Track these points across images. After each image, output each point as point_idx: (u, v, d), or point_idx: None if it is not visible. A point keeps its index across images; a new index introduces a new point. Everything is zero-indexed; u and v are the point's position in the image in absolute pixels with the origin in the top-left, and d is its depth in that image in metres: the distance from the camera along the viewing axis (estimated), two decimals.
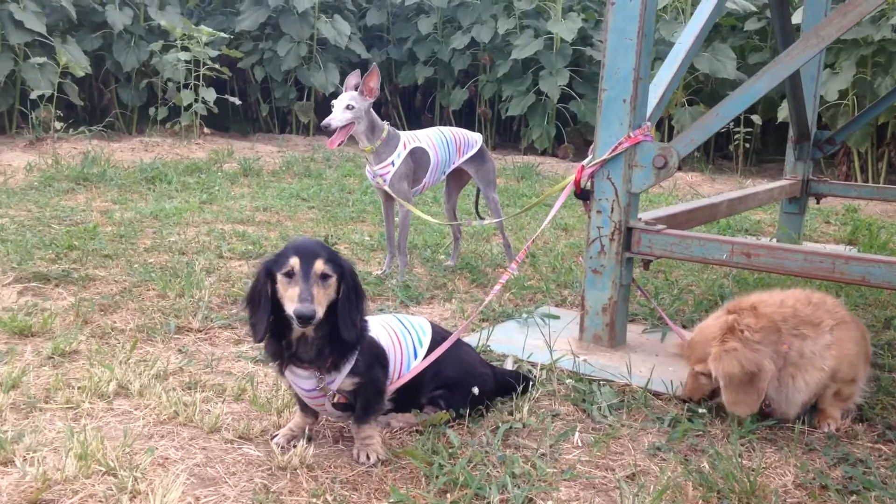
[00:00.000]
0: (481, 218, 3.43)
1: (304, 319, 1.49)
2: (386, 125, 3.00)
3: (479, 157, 3.20)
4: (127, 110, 7.60)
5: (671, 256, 2.26)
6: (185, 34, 6.98)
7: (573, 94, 7.55)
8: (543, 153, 7.71)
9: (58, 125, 6.50)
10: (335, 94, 8.05)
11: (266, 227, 4.16)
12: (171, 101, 7.24)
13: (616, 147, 2.25)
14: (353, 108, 2.87)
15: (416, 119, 8.78)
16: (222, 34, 7.20)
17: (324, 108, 8.53)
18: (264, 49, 7.95)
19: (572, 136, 7.79)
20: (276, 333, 1.60)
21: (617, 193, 2.28)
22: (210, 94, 7.05)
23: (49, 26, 6.82)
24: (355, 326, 1.61)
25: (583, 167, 2.33)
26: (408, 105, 8.81)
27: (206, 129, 7.29)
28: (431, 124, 8.61)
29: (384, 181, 2.96)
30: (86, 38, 7.23)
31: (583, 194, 2.37)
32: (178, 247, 3.46)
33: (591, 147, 2.37)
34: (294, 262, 1.53)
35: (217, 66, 7.13)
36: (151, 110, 7.39)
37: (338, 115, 2.85)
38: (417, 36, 8.17)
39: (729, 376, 1.80)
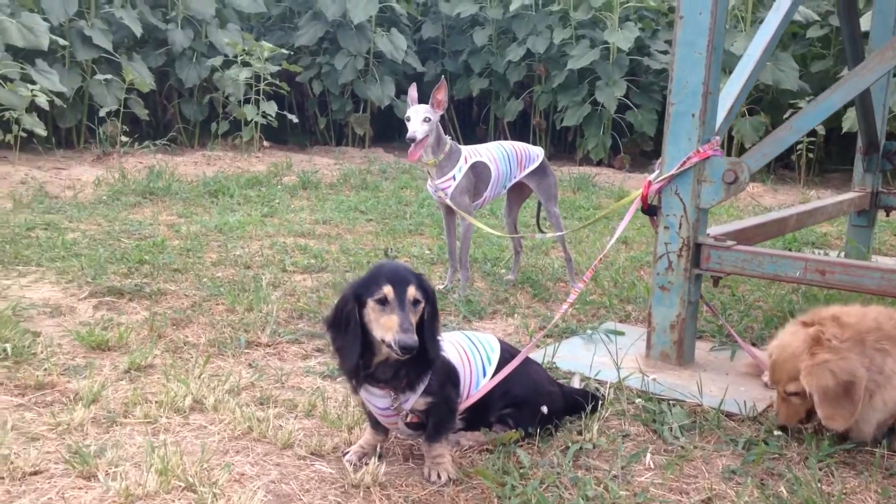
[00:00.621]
0: (542, 231, 3.42)
1: (408, 349, 1.49)
2: (448, 139, 3.03)
3: (540, 171, 3.20)
4: (189, 125, 7.78)
5: (742, 273, 2.22)
6: (245, 50, 7.12)
7: (630, 104, 7.48)
8: (599, 163, 7.65)
9: (124, 139, 6.69)
10: (391, 107, 8.18)
11: (326, 240, 4.22)
12: (231, 115, 7.38)
13: (684, 162, 2.22)
14: (429, 120, 2.93)
15: (471, 131, 8.80)
16: (282, 49, 7.33)
17: (379, 120, 8.62)
18: (322, 63, 8.06)
19: (629, 146, 7.71)
20: None
21: (685, 209, 2.25)
22: (270, 109, 7.18)
23: (115, 43, 7.03)
24: (437, 347, 1.62)
25: (649, 182, 2.31)
26: (463, 117, 8.84)
27: (265, 143, 7.41)
28: (486, 136, 8.63)
29: (446, 195, 2.98)
30: (150, 55, 7.43)
31: (649, 210, 2.34)
32: (243, 260, 3.52)
33: (658, 161, 2.35)
34: (388, 290, 1.53)
35: (276, 80, 7.25)
36: (213, 125, 7.55)
37: (418, 127, 2.91)
38: (472, 48, 8.20)
39: (824, 390, 1.73)
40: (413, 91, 3.03)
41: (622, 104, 7.43)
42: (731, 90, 2.45)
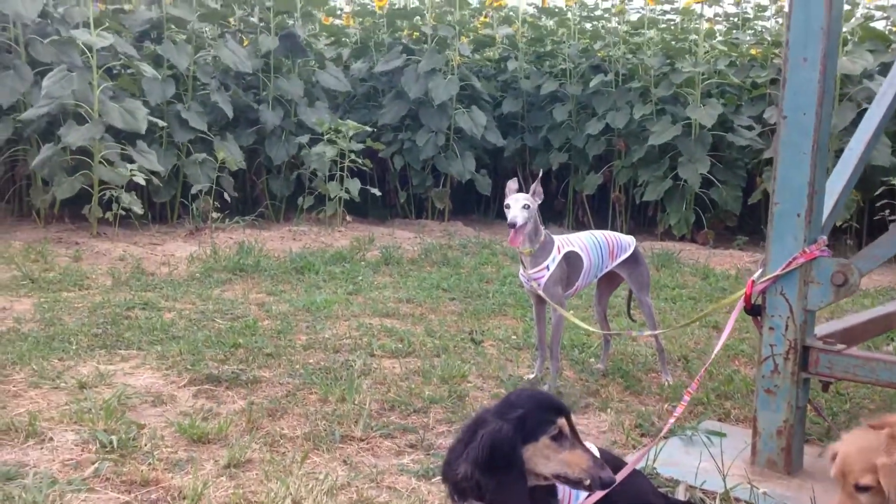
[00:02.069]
0: (633, 319, 3.37)
1: (610, 484, 1.46)
2: (543, 230, 3.04)
3: (632, 260, 3.17)
4: (276, 199, 8.02)
5: (854, 379, 2.13)
6: (331, 128, 7.35)
7: (713, 179, 7.38)
8: (681, 238, 7.53)
9: (215, 215, 6.94)
10: (471, 181, 8.27)
11: (411, 321, 4.24)
12: (317, 190, 7.59)
13: (790, 263, 2.16)
14: (529, 207, 2.97)
15: (549, 204, 8.80)
16: (366, 127, 7.54)
17: (459, 193, 8.72)
18: (403, 139, 8.25)
19: (712, 221, 7.58)
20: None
21: (791, 310, 2.18)
22: (354, 186, 7.35)
23: (209, 123, 7.35)
24: None
25: (753, 282, 2.26)
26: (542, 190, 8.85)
27: (348, 217, 7.57)
28: (564, 209, 8.62)
29: (539, 285, 2.97)
30: (242, 134, 7.74)
31: (753, 310, 2.28)
32: (331, 344, 3.57)
33: (762, 260, 2.29)
34: (562, 423, 1.50)
35: (360, 157, 7.45)
36: (299, 199, 7.77)
37: (518, 213, 2.96)
38: (552, 123, 8.27)
39: None
40: (513, 183, 3.08)
41: (705, 179, 7.34)
42: (834, 185, 2.40)
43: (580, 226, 8.47)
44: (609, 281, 3.29)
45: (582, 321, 3.73)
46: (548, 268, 2.97)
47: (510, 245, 2.99)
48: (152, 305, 4.23)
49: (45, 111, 6.04)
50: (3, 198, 7.03)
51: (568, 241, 3.07)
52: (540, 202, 3.02)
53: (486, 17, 9.01)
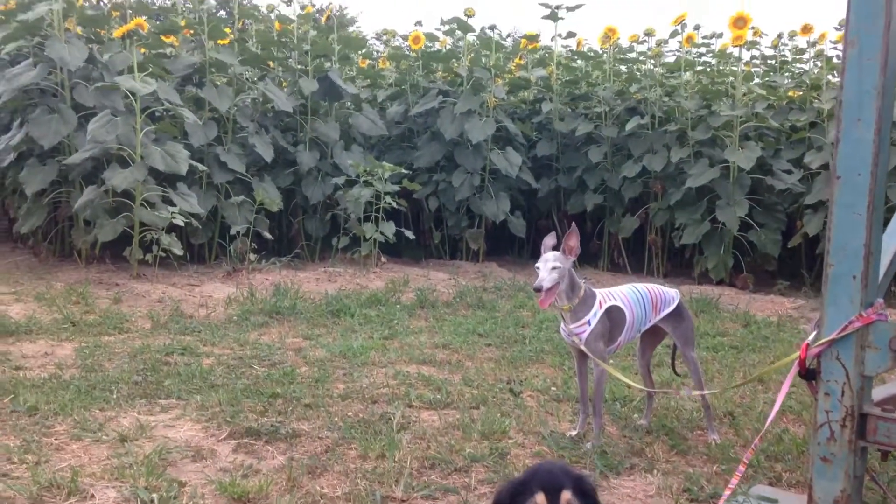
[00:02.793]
0: (677, 374, 3.30)
1: None
2: (583, 283, 3.00)
3: (676, 314, 3.11)
4: (312, 240, 8.06)
5: None
6: (367, 170, 7.41)
7: (752, 222, 7.29)
8: (720, 282, 7.42)
9: (252, 257, 6.99)
10: (505, 222, 8.26)
11: (448, 369, 4.20)
12: (352, 231, 7.62)
13: (846, 327, 2.10)
14: (558, 268, 2.92)
15: (584, 246, 8.72)
16: (401, 169, 7.58)
17: (493, 234, 8.70)
18: (439, 180, 8.28)
19: (751, 265, 7.46)
20: None
21: (848, 376, 2.11)
22: (389, 228, 7.37)
23: (248, 165, 7.44)
24: None
25: (807, 345, 2.19)
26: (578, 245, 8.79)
27: (382, 258, 7.57)
28: (600, 251, 8.55)
29: (580, 340, 2.92)
30: (279, 175, 7.82)
31: (808, 374, 2.21)
32: (369, 393, 3.54)
33: (816, 321, 2.23)
34: (540, 499, 1.49)
35: (395, 199, 7.48)
36: (334, 240, 7.80)
37: (546, 276, 2.91)
38: (587, 164, 8.24)
39: None
40: (550, 238, 3.04)
41: (744, 223, 7.24)
42: (889, 244, 2.33)
43: (616, 268, 8.39)
44: (653, 335, 3.23)
45: (624, 375, 3.67)
46: (589, 323, 2.92)
47: (540, 307, 2.93)
48: (191, 351, 4.25)
49: (90, 155, 6.17)
50: (46, 238, 7.15)
51: (610, 295, 3.02)
52: (574, 258, 2.95)
53: (520, 59, 9.07)
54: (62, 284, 6.22)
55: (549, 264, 2.92)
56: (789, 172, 7.39)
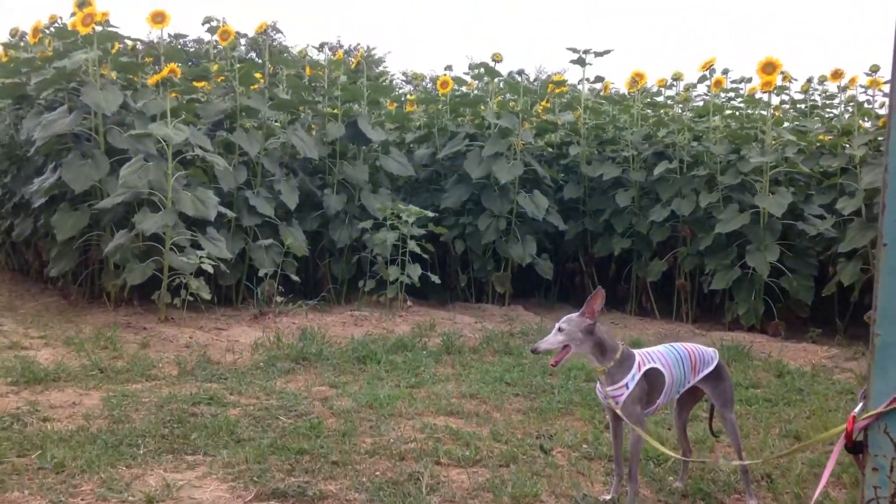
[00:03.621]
0: (714, 435, 3.22)
1: None
2: (620, 346, 2.93)
3: (715, 374, 3.04)
4: (338, 283, 8.07)
5: None
6: (393, 213, 7.42)
7: (783, 268, 7.18)
8: (751, 329, 7.29)
9: (279, 299, 6.99)
10: (532, 267, 8.21)
11: (476, 421, 4.14)
12: (378, 274, 7.61)
13: (894, 399, 2.02)
14: (563, 329, 2.87)
15: (611, 290, 8.66)
16: (427, 212, 7.59)
17: (519, 277, 8.65)
18: (465, 223, 8.27)
19: (783, 311, 7.33)
20: None
21: None
22: (415, 271, 7.37)
23: (276, 208, 7.48)
24: None
25: (853, 417, 2.12)
26: (603, 275, 8.74)
27: (408, 301, 7.55)
28: (627, 295, 8.46)
29: (616, 403, 2.86)
30: (306, 218, 7.86)
31: (854, 447, 2.13)
32: (396, 448, 3.49)
33: (862, 393, 2.16)
34: None
35: (421, 242, 7.47)
36: (360, 283, 7.80)
37: (549, 337, 2.89)
38: (615, 208, 8.20)
39: None
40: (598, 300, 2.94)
41: (775, 268, 7.14)
42: None
43: (643, 312, 8.29)
44: (690, 395, 3.15)
45: (659, 433, 3.58)
46: (627, 386, 2.85)
47: (551, 366, 2.92)
48: (217, 400, 4.23)
49: (122, 200, 6.24)
50: (76, 281, 7.22)
51: (649, 357, 2.95)
52: (592, 322, 2.87)
53: (546, 102, 9.10)
54: (91, 328, 6.26)
55: (557, 325, 2.92)
56: (821, 217, 7.29)
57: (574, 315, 2.92)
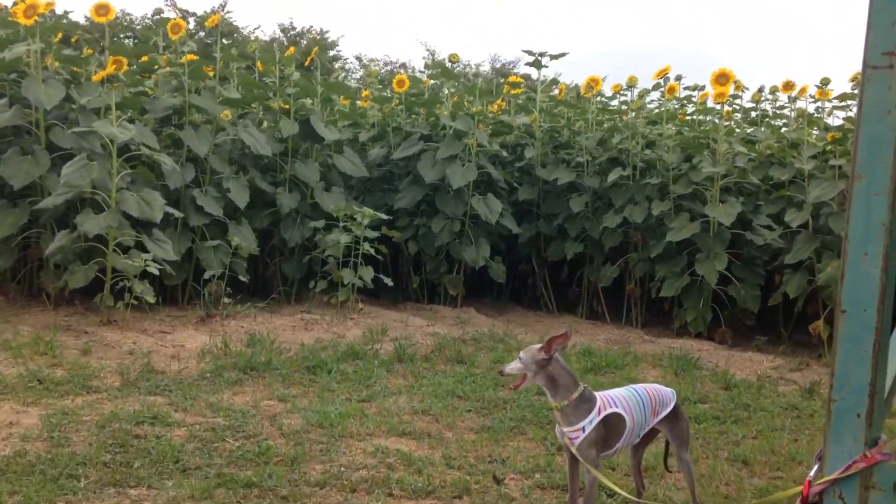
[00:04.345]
0: (669, 470, 3.23)
1: None
2: (581, 387, 2.90)
3: (672, 415, 3.05)
4: (288, 283, 7.94)
5: None
6: (347, 215, 7.32)
7: (731, 277, 7.29)
8: (698, 335, 7.41)
9: (226, 301, 6.84)
10: (485, 271, 8.19)
11: (428, 443, 4.10)
12: (329, 275, 7.51)
13: (849, 466, 2.04)
14: (521, 358, 2.94)
15: (563, 293, 8.71)
16: (381, 215, 7.50)
17: (472, 277, 8.63)
18: (419, 224, 8.20)
19: (730, 319, 7.46)
20: None
21: None
22: (368, 273, 7.29)
23: (225, 205, 7.30)
24: None
25: (809, 481, 2.13)
26: (555, 277, 8.77)
27: (360, 304, 7.47)
28: (579, 298, 8.51)
29: (573, 444, 2.84)
30: (256, 217, 7.70)
31: None
32: (347, 478, 3.43)
33: (817, 455, 2.17)
34: None
35: (374, 245, 7.39)
36: (311, 283, 7.68)
37: (512, 364, 2.99)
38: (569, 213, 8.22)
39: None
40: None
41: (723, 277, 7.25)
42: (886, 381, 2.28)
43: (594, 315, 8.35)
44: (647, 434, 3.15)
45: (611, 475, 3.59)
46: (584, 429, 2.83)
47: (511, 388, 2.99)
48: (162, 419, 4.11)
49: (63, 200, 6.01)
50: (14, 278, 6.96)
51: (610, 401, 2.93)
52: (546, 356, 2.86)
53: (501, 101, 9.06)
54: (29, 330, 6.03)
55: (519, 354, 2.98)
56: (769, 228, 7.42)
57: (535, 346, 2.94)
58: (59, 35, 6.72)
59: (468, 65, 29.55)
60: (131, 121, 6.38)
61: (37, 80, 6.24)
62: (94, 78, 6.12)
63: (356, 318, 7.24)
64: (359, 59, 30.25)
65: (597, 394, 2.96)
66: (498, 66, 31.63)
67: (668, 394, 3.08)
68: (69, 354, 5.42)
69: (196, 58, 7.18)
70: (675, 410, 3.06)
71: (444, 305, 8.34)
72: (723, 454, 4.12)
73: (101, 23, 6.64)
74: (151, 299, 6.20)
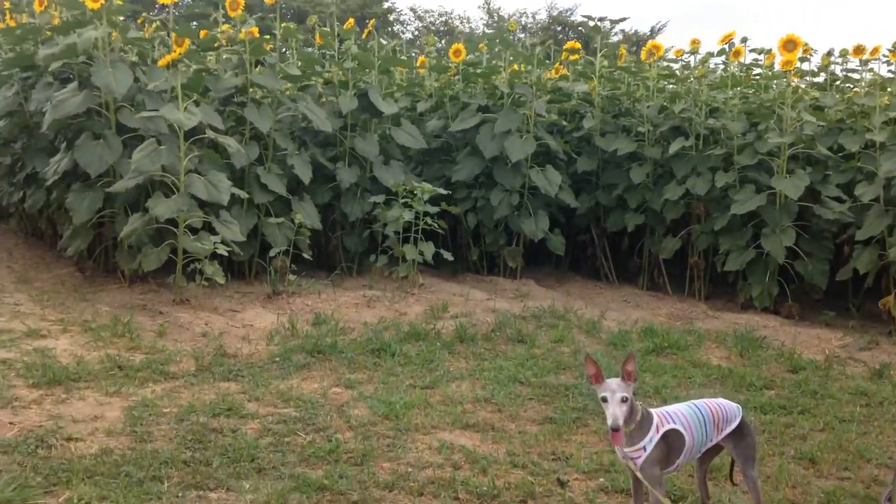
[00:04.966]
0: (734, 484, 3.25)
1: None
2: (640, 406, 2.94)
3: (738, 431, 3.04)
4: (349, 257, 8.07)
5: None
6: (406, 190, 7.38)
7: (799, 251, 7.14)
8: (764, 310, 7.30)
9: (291, 278, 7.01)
10: (544, 241, 8.18)
11: (492, 437, 4.19)
12: (390, 250, 7.62)
13: None
14: (627, 399, 2.82)
15: (623, 263, 8.66)
16: (440, 190, 7.54)
17: (531, 248, 8.62)
18: (477, 197, 8.22)
19: (797, 292, 7.33)
20: None
21: None
22: (428, 249, 7.38)
23: (288, 181, 7.43)
24: None
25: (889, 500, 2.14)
26: (615, 247, 8.72)
27: (420, 279, 7.56)
28: (639, 270, 8.45)
29: (635, 465, 2.88)
30: (318, 192, 7.82)
31: None
32: (414, 478, 3.55)
33: (886, 495, 2.18)
34: None
35: (434, 220, 7.45)
36: (372, 257, 7.81)
37: (618, 412, 2.80)
38: (629, 184, 8.12)
39: None
40: (591, 366, 2.90)
41: (790, 251, 7.10)
42: None
43: (655, 287, 8.30)
44: (711, 449, 3.15)
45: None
46: (645, 448, 2.87)
47: (614, 444, 2.84)
48: (236, 410, 4.29)
49: (134, 184, 6.20)
50: (91, 256, 7.24)
51: (668, 418, 2.95)
52: (634, 384, 2.85)
53: (559, 65, 8.91)
54: (107, 309, 6.31)
55: (618, 395, 2.81)
56: (839, 199, 7.21)
57: (619, 381, 2.85)
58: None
59: (524, 13, 28.98)
60: (196, 103, 6.50)
61: (105, 66, 6.39)
62: (160, 63, 6.23)
63: (417, 293, 7.35)
64: (413, 10, 29.92)
65: (653, 410, 2.97)
66: (555, 13, 30.96)
67: (732, 409, 3.07)
68: (146, 336, 5.66)
69: (256, 33, 7.23)
70: (741, 426, 3.05)
71: (503, 277, 8.39)
72: (789, 451, 4.11)
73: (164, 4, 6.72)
74: (221, 280, 6.40)
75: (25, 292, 6.99)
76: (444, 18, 28.39)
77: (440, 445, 3.98)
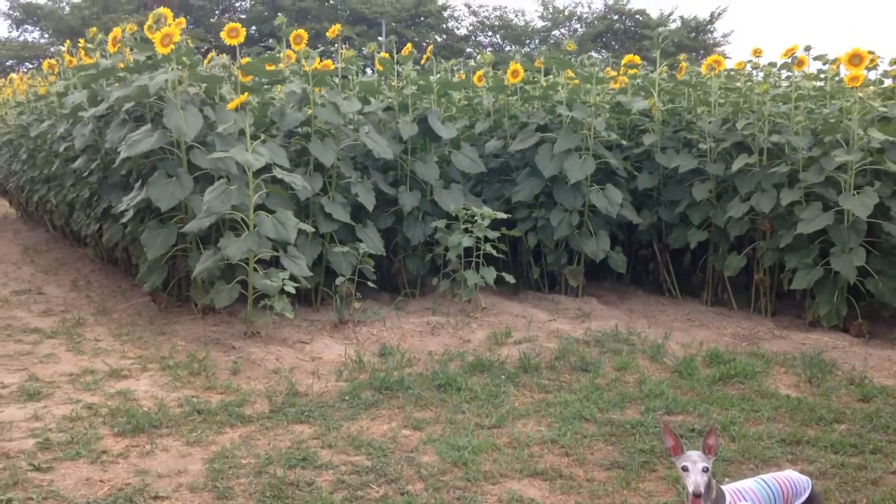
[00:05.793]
0: None
1: None
2: (715, 483, 2.98)
3: None
4: (412, 279, 8.21)
5: None
6: (467, 215, 7.47)
7: (868, 269, 7.00)
8: (833, 327, 7.17)
9: (357, 305, 7.19)
10: (605, 261, 8.17)
11: (559, 486, 4.26)
12: (452, 275, 7.72)
13: None
14: (707, 469, 2.89)
15: (686, 279, 8.60)
16: (501, 214, 7.60)
17: (592, 264, 8.62)
18: (537, 217, 8.25)
19: (866, 309, 7.18)
20: None
21: None
22: (490, 274, 7.46)
23: (351, 209, 7.60)
24: None
25: None
26: (677, 263, 8.65)
27: (482, 301, 7.66)
28: (702, 285, 8.38)
29: None
30: (380, 217, 7.96)
31: None
32: None
33: None
34: None
35: (495, 245, 7.52)
36: (434, 280, 7.93)
37: (700, 480, 2.87)
38: (691, 201, 8.04)
39: None
40: (670, 438, 2.99)
41: (860, 268, 6.95)
42: None
43: (720, 303, 8.23)
44: None
45: None
46: None
47: None
48: (310, 460, 4.45)
49: (208, 224, 6.44)
50: (165, 288, 7.54)
51: (740, 495, 2.99)
52: (714, 457, 2.92)
53: (619, 74, 8.85)
54: (183, 343, 6.59)
55: (699, 465, 2.88)
56: None
57: (699, 453, 2.94)
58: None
59: (579, 2, 28.62)
60: (263, 141, 6.69)
61: (176, 108, 6.62)
62: (229, 106, 6.44)
63: (479, 317, 7.45)
64: (468, 6, 29.86)
65: (724, 488, 3.01)
66: (611, 1, 30.51)
67: (802, 483, 3.09)
68: (221, 375, 5.90)
69: (319, 65, 7.39)
70: (811, 499, 3.08)
71: (564, 295, 8.42)
72: (861, 500, 4.08)
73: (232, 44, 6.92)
74: (291, 315, 6.60)
75: (105, 325, 7.33)
76: (498, 13, 28.31)
77: (510, 498, 4.07)
